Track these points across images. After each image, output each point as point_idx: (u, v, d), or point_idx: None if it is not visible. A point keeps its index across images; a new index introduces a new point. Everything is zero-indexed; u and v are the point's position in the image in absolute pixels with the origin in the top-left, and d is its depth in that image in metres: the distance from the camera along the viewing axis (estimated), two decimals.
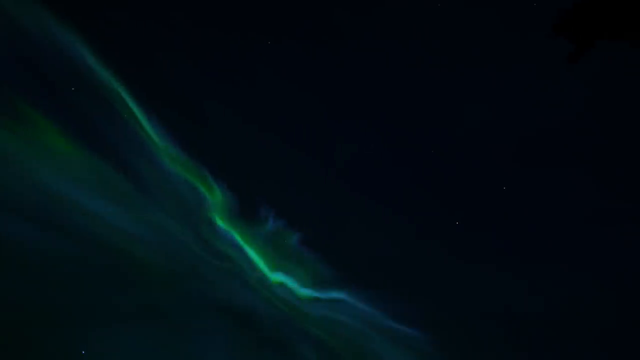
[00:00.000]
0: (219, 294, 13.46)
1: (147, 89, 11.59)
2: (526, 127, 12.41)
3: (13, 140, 10.54)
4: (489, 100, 12.23)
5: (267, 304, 14.03)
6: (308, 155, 13.27)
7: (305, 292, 14.30)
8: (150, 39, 11.18)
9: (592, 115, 11.70)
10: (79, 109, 11.15)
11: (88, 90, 11.16)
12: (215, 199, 13.23)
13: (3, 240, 10.76)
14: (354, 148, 13.14)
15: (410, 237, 13.66)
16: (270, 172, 13.30)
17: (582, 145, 12.17)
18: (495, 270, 13.14)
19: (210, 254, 13.45)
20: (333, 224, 13.69)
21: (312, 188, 13.50)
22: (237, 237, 13.83)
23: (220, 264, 13.57)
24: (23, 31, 10.20)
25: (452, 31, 11.39)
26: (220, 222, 13.54)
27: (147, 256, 12.58)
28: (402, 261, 13.81)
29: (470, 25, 11.23)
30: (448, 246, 13.35)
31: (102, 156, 11.64)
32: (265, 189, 13.29)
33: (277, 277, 14.23)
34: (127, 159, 12.01)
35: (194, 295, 13.15)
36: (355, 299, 14.29)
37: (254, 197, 13.27)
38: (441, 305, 13.48)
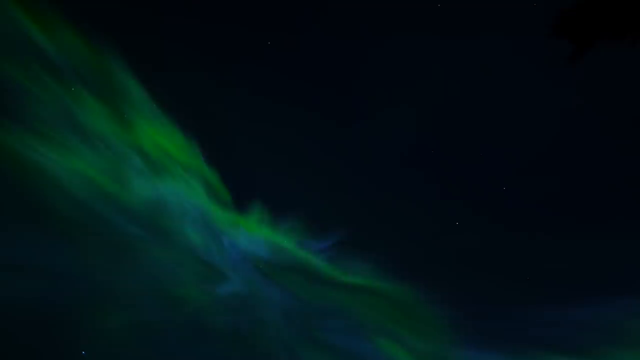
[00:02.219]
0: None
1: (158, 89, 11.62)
2: (527, 126, 12.43)
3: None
4: (489, 99, 12.24)
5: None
6: (309, 153, 13.31)
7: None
8: (158, 39, 11.20)
9: (591, 115, 11.71)
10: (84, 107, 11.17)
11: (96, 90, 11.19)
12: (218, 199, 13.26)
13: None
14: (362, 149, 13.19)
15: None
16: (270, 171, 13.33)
17: (581, 144, 12.19)
18: None
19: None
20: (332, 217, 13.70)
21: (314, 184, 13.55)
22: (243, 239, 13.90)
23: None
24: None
25: (453, 32, 11.39)
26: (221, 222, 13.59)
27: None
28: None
29: (471, 25, 11.23)
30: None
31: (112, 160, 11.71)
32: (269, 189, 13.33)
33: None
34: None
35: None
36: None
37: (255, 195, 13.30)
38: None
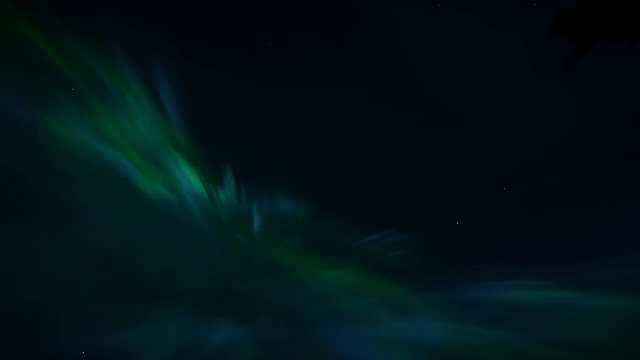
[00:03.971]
0: None
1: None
2: (528, 125, 12.44)
3: None
4: (489, 98, 12.24)
5: None
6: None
7: None
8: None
9: (591, 114, 11.72)
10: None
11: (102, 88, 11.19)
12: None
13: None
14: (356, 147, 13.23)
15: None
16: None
17: (582, 144, 12.21)
18: None
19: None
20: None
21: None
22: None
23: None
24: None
25: (452, 33, 11.38)
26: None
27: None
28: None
29: (471, 25, 11.22)
30: None
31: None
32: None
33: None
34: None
35: None
36: None
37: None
38: None
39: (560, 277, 13.25)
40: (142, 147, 12.00)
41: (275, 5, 11.31)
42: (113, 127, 11.56)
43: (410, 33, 11.41)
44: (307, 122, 12.90)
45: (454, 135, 12.89)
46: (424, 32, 11.38)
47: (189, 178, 12.78)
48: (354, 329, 14.32)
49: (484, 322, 13.84)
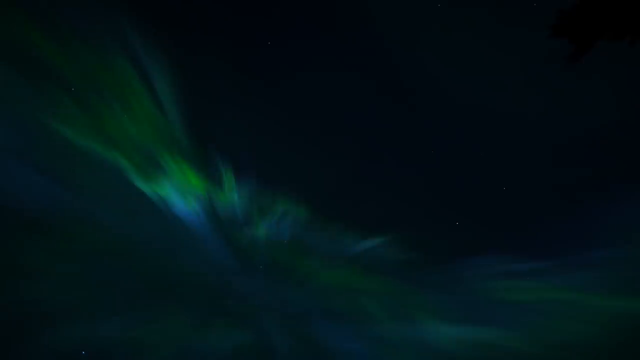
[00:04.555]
0: None
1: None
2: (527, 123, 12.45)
3: None
4: (488, 98, 12.24)
5: None
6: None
7: None
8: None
9: (587, 114, 11.73)
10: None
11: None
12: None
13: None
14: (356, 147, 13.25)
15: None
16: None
17: (581, 143, 12.23)
18: None
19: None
20: None
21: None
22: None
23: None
24: None
25: (452, 32, 11.38)
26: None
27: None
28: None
29: (470, 25, 11.23)
30: None
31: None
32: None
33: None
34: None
35: None
36: None
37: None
38: None
39: (559, 276, 13.30)
40: (142, 147, 12.01)
41: (274, 6, 11.33)
42: (113, 127, 11.57)
43: (410, 31, 11.44)
44: (308, 123, 12.93)
45: (454, 135, 12.92)
46: (424, 31, 11.40)
47: (189, 178, 12.78)
48: (354, 328, 14.35)
49: (484, 321, 13.91)
